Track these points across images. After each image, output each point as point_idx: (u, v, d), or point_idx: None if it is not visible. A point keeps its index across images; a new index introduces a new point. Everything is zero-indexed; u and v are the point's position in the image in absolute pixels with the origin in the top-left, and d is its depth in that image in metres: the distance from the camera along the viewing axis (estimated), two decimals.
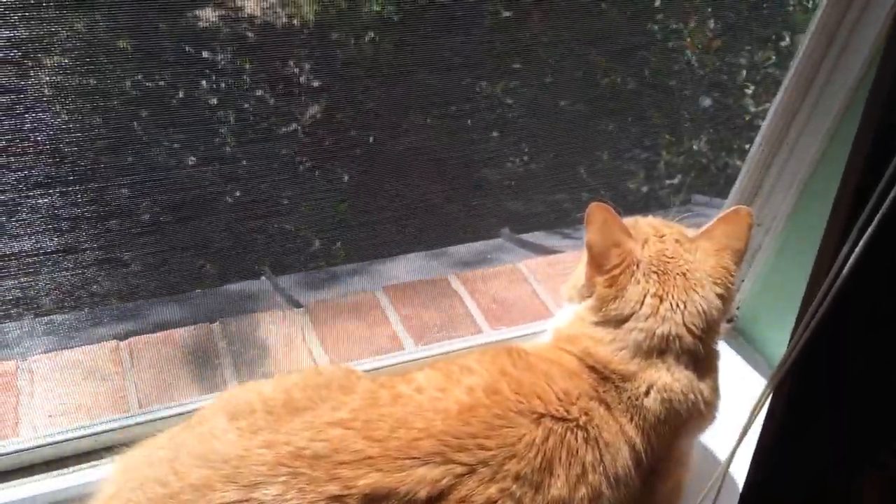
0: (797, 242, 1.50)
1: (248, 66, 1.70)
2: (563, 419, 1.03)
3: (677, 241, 1.20)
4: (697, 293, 1.14)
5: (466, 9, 1.95)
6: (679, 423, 1.11)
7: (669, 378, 1.10)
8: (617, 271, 1.14)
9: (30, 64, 1.29)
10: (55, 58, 1.36)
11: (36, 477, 1.24)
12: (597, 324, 1.15)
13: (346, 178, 1.93)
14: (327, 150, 1.91)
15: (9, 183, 1.28)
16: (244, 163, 1.75)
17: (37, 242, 1.32)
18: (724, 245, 1.19)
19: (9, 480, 1.24)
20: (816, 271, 0.86)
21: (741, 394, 1.49)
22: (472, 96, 2.07)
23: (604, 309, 1.14)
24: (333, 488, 0.90)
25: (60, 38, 1.36)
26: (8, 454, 1.25)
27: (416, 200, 2.05)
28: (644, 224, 1.25)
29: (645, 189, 2.41)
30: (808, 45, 1.35)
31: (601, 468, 1.02)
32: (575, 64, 2.14)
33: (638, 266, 1.15)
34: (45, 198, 1.33)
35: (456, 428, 0.97)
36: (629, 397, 1.09)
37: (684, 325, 1.12)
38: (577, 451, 1.02)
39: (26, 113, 1.26)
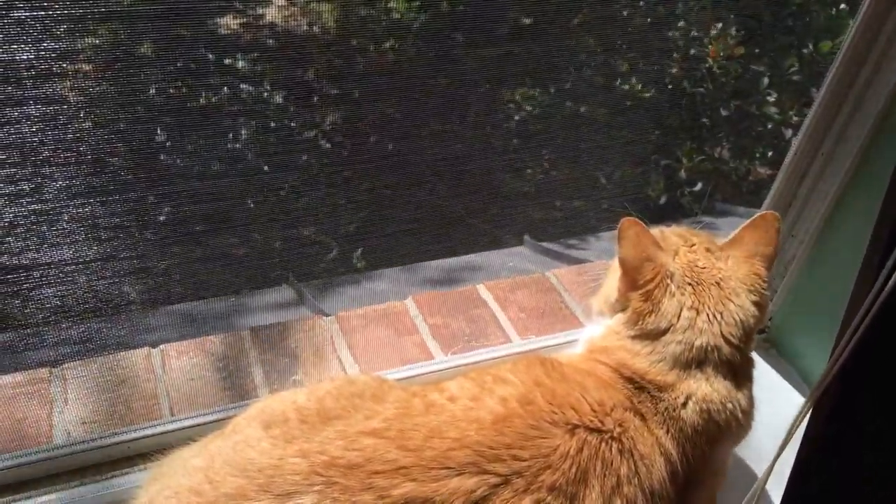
0: (832, 254, 1.48)
1: (268, 73, 1.72)
2: (598, 430, 1.02)
3: (707, 249, 1.19)
4: (733, 302, 1.13)
5: (487, 16, 1.95)
6: (717, 433, 1.10)
7: (708, 388, 1.09)
8: (651, 286, 1.13)
9: (71, 75, 1.31)
10: (85, 67, 1.39)
11: (69, 484, 1.25)
12: (633, 337, 1.14)
13: (364, 185, 1.93)
14: (347, 158, 1.92)
15: (51, 192, 1.30)
16: (265, 169, 1.76)
17: (76, 251, 1.34)
18: (754, 251, 1.18)
19: (43, 487, 1.25)
20: (859, 284, 0.84)
21: (774, 406, 1.48)
22: (491, 103, 2.07)
23: (640, 323, 1.13)
24: (368, 498, 0.90)
25: (94, 49, 1.39)
26: (42, 461, 1.26)
27: (436, 208, 2.05)
28: (672, 235, 1.24)
29: (665, 197, 2.39)
30: (844, 55, 1.33)
31: (636, 480, 1.01)
32: (595, 70, 2.14)
33: (672, 278, 1.14)
34: (85, 207, 1.35)
35: (490, 438, 0.97)
36: (666, 408, 1.08)
37: (722, 335, 1.11)
38: (612, 463, 1.01)
39: (69, 123, 1.28)
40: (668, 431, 1.08)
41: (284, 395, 1.12)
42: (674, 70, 2.33)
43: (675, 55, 2.33)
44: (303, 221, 1.86)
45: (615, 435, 1.03)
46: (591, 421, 1.02)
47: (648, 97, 2.24)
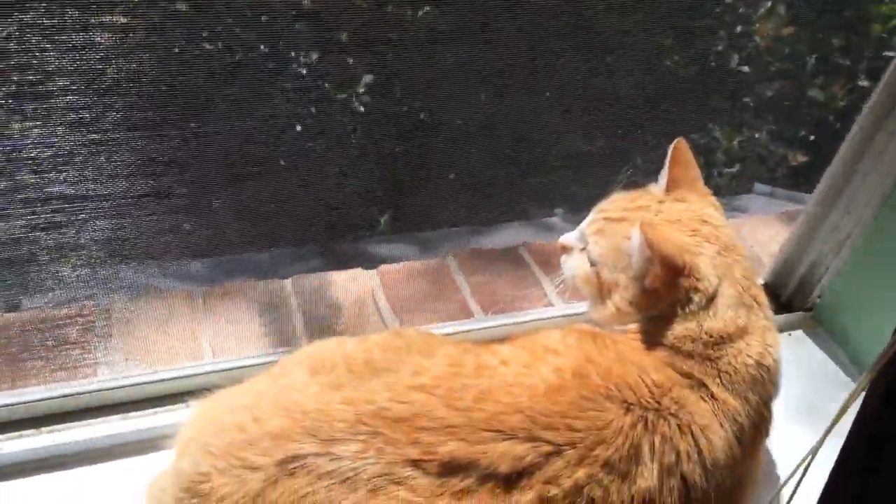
0: (891, 233, 1.44)
1: (305, 33, 1.70)
2: (654, 409, 1.00)
3: (672, 201, 1.17)
4: (726, 233, 1.14)
5: None
6: (773, 372, 1.11)
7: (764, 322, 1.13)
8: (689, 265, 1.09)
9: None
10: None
11: (111, 418, 1.27)
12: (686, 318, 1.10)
13: (397, 149, 1.92)
14: (381, 121, 1.91)
15: (110, 123, 1.30)
16: (298, 129, 1.75)
17: (131, 185, 1.34)
18: (698, 187, 1.20)
19: (86, 419, 1.27)
20: None
21: (819, 388, 1.46)
22: (529, 73, 2.03)
23: (691, 304, 1.09)
24: (413, 452, 0.89)
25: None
26: (86, 393, 1.28)
27: (468, 176, 2.03)
28: (623, 202, 1.21)
29: (702, 176, 2.34)
30: None
31: (696, 455, 0.99)
32: (638, 44, 2.09)
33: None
34: (142, 140, 1.35)
35: (543, 406, 0.95)
36: (728, 362, 1.06)
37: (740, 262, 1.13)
38: (672, 440, 0.99)
39: (132, 53, 1.27)
40: (732, 389, 1.06)
41: (332, 342, 1.12)
42: (719, 48, 2.26)
43: (720, 32, 2.26)
44: (334, 182, 1.86)
45: (673, 412, 1.00)
46: (649, 402, 1.00)
47: (691, 75, 2.19)
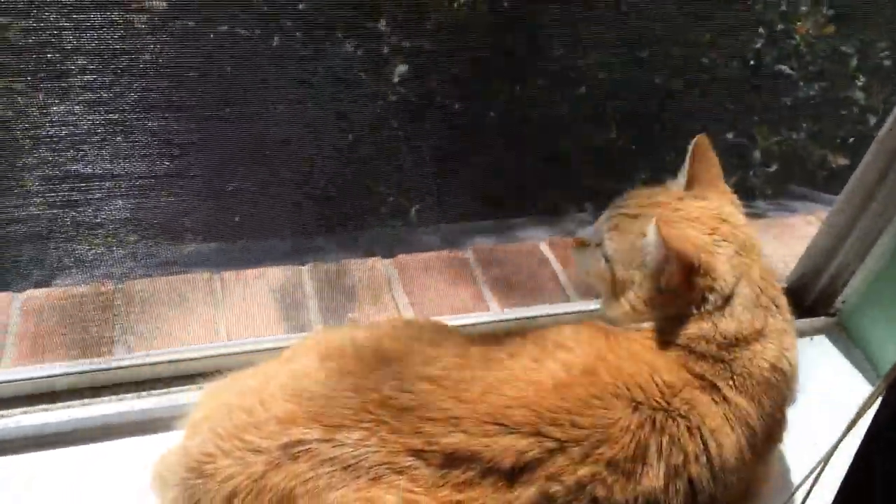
0: None
1: (341, 21, 1.70)
2: (664, 409, 0.98)
3: (697, 198, 1.14)
4: (745, 233, 1.12)
5: None
6: (789, 377, 1.09)
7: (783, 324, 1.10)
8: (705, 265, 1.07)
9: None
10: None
11: (125, 396, 1.28)
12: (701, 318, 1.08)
13: (431, 141, 1.91)
14: (413, 112, 1.90)
15: (127, 104, 1.31)
16: (330, 120, 1.76)
17: (150, 165, 1.35)
18: (718, 185, 1.18)
19: (100, 396, 1.28)
20: None
21: (839, 394, 1.43)
22: (562, 68, 2.01)
23: (707, 303, 1.07)
24: (416, 442, 0.89)
25: None
26: (101, 370, 1.30)
27: (497, 169, 2.02)
28: (641, 198, 1.18)
29: (735, 177, 2.29)
30: None
31: (705, 458, 0.97)
32: (674, 39, 2.05)
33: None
34: (160, 121, 1.36)
35: (550, 401, 0.94)
36: (743, 365, 1.04)
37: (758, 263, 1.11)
38: (679, 440, 0.97)
39: (152, 34, 1.28)
40: (745, 392, 1.04)
41: (343, 329, 1.12)
42: (758, 45, 2.22)
43: (760, 29, 2.22)
44: (364, 171, 1.86)
45: (682, 413, 0.99)
46: (658, 402, 0.99)
47: (728, 72, 2.15)
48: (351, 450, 0.89)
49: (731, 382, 1.04)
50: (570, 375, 0.98)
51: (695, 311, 1.07)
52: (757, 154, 2.31)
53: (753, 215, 1.89)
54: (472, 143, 1.97)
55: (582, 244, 1.24)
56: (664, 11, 2.00)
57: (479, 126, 2.00)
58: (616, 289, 1.16)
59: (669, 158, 2.07)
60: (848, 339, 1.56)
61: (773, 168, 2.39)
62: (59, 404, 1.26)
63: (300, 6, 1.61)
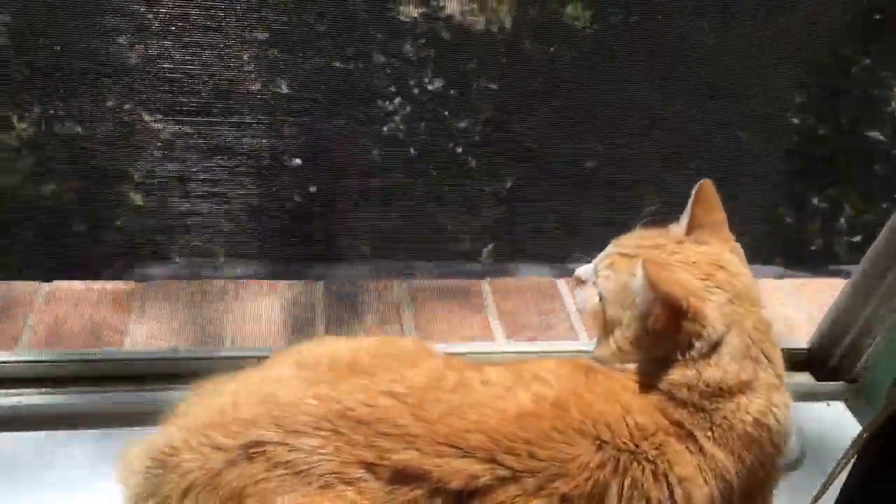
0: None
1: (432, 61, 1.77)
2: (630, 451, 0.96)
3: (697, 242, 1.12)
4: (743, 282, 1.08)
5: (661, 28, 1.90)
6: (776, 434, 1.04)
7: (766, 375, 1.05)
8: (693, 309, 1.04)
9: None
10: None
11: (124, 387, 1.33)
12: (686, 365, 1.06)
13: (508, 183, 1.94)
14: (494, 152, 1.93)
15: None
16: (412, 151, 1.82)
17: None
18: (721, 231, 1.14)
19: (103, 385, 1.34)
20: None
21: None
22: (643, 116, 2.01)
23: (692, 349, 1.05)
24: (368, 455, 0.90)
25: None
26: (111, 360, 1.36)
27: (573, 216, 2.02)
28: (639, 239, 1.16)
29: (818, 242, 2.22)
30: None
31: None
32: (765, 98, 2.03)
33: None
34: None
35: (509, 430, 0.93)
36: (724, 416, 1.01)
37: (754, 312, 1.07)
38: (643, 485, 0.95)
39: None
40: (723, 445, 1.00)
41: (327, 341, 1.14)
42: (852, 111, 2.17)
43: (854, 93, 2.17)
44: (440, 206, 1.91)
45: (650, 457, 0.97)
46: (625, 443, 0.97)
47: (819, 134, 2.11)
48: (305, 455, 0.90)
49: (709, 433, 1.01)
50: (538, 407, 0.97)
51: (680, 357, 1.05)
52: (843, 221, 2.24)
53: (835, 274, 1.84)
54: (549, 189, 2.00)
55: (580, 282, 1.23)
56: (757, 65, 1.99)
57: (560, 173, 2.03)
58: (606, 327, 1.14)
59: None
60: (867, 406, 1.49)
61: (859, 238, 2.30)
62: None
63: (404, 47, 1.69)
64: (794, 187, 2.17)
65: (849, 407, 1.50)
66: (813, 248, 2.22)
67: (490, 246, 1.99)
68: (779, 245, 2.15)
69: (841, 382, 1.53)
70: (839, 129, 2.20)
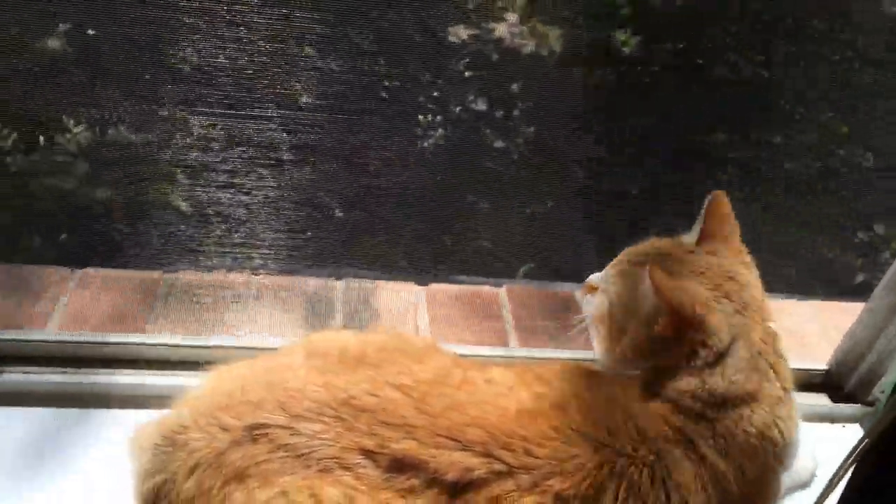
0: None
1: (477, 82, 1.82)
2: (628, 455, 0.97)
3: (707, 253, 1.12)
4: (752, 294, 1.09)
5: (715, 57, 1.91)
6: (780, 448, 1.05)
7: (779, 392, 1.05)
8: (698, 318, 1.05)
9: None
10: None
11: (147, 371, 1.38)
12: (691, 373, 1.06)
13: (549, 203, 1.96)
14: (533, 171, 1.95)
15: None
16: (446, 171, 1.86)
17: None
18: (733, 242, 1.15)
19: (125, 368, 1.38)
20: None
21: None
22: (689, 144, 2.02)
23: (696, 359, 1.05)
24: (368, 443, 0.92)
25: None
26: (131, 344, 1.41)
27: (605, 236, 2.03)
28: (650, 248, 1.17)
29: (861, 276, 2.18)
30: None
31: None
32: (810, 130, 2.03)
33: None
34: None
35: (508, 426, 0.95)
36: (726, 426, 1.01)
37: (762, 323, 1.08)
38: (640, 489, 0.95)
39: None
40: (725, 454, 1.00)
41: (336, 334, 1.17)
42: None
43: None
44: (479, 225, 1.95)
45: (647, 462, 0.97)
46: (624, 446, 0.97)
47: (867, 166, 2.09)
48: (307, 440, 0.92)
49: (711, 442, 1.01)
50: (537, 406, 0.99)
51: (685, 365, 1.06)
52: (888, 255, 2.20)
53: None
54: (590, 213, 2.02)
55: (593, 289, 1.25)
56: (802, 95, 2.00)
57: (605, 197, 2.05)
58: (612, 334, 1.15)
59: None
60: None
61: None
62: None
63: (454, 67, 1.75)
64: (840, 219, 2.12)
65: (864, 430, 1.48)
66: (857, 280, 2.18)
67: (528, 266, 2.00)
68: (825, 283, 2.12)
69: (858, 405, 1.51)
70: (886, 159, 2.17)
